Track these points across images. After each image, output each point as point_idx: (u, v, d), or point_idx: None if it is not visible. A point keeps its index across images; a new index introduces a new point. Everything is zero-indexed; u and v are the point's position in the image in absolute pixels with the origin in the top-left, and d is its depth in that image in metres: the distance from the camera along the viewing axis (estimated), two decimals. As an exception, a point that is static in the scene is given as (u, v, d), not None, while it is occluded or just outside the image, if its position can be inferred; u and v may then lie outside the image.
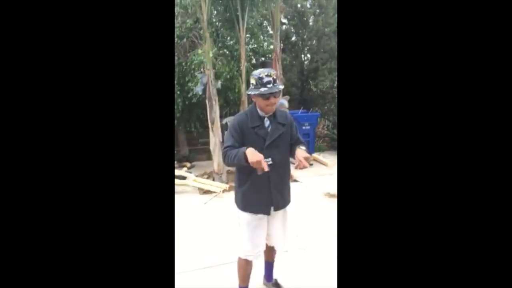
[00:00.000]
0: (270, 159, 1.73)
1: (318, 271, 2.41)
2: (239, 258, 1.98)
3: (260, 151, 1.66)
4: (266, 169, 1.58)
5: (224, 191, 4.27)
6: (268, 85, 1.70)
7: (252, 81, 1.75)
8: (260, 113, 1.81)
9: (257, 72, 1.75)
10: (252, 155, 1.58)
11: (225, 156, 1.75)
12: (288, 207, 1.98)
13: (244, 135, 1.78)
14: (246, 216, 1.85)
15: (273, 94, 1.72)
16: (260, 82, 1.71)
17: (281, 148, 1.82)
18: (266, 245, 2.04)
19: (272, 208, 1.85)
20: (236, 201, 1.93)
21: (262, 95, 1.71)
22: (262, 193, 1.80)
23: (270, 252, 2.12)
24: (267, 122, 1.81)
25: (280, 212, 1.92)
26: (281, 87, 1.78)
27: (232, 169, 3.75)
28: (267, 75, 1.71)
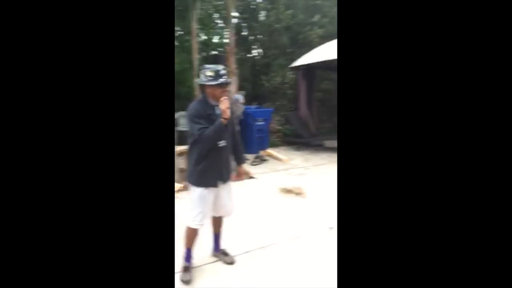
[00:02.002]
0: (224, 141, 2.12)
1: (282, 270, 2.35)
2: (188, 227, 2.24)
3: None
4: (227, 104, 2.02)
5: (178, 190, 4.02)
6: (224, 77, 2.10)
7: (210, 73, 2.10)
8: (211, 102, 2.14)
9: (213, 66, 2.13)
10: (224, 105, 1.99)
11: (203, 137, 2.02)
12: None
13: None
14: (200, 191, 2.15)
15: (228, 84, 2.15)
16: (218, 74, 2.09)
17: (229, 133, 2.20)
18: (214, 217, 2.41)
19: (222, 182, 2.23)
20: (190, 179, 2.20)
21: (220, 85, 2.08)
22: (216, 170, 2.17)
23: (218, 224, 2.47)
24: (217, 110, 2.10)
25: (227, 184, 2.30)
26: (230, 80, 2.19)
27: (184, 167, 3.81)
28: (223, 69, 2.12)
